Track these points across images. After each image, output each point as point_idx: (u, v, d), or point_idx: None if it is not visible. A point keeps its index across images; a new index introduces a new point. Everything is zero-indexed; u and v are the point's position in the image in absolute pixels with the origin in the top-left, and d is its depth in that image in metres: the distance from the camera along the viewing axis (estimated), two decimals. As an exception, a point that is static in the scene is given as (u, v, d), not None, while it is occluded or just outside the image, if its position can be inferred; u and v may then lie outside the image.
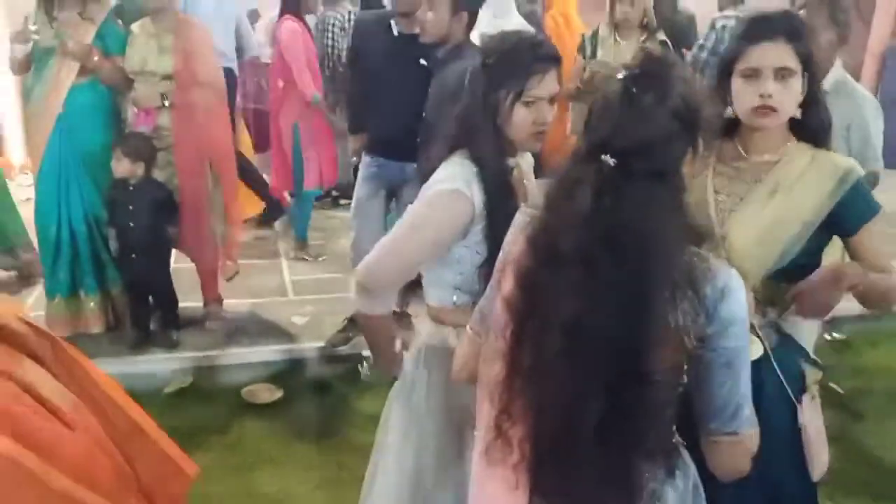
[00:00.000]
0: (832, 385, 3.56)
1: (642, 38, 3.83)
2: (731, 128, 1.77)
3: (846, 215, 1.68)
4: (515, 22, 4.13)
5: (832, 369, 3.66)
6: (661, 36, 3.89)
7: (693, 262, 1.22)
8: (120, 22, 3.65)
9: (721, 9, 5.21)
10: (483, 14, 3.06)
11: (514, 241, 1.37)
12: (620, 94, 1.22)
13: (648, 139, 1.18)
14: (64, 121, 3.51)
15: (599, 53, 3.91)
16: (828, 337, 3.90)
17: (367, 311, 1.81)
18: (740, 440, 1.31)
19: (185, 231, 3.71)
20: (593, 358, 1.19)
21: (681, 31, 5.16)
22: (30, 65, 3.55)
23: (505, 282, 1.33)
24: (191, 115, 3.60)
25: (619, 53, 3.82)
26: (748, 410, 1.31)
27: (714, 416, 1.29)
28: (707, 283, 1.22)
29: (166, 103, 3.59)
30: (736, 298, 1.24)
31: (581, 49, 4.00)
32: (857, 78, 7.27)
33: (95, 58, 3.49)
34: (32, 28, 3.46)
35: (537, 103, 1.73)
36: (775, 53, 1.66)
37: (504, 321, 1.30)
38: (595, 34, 3.98)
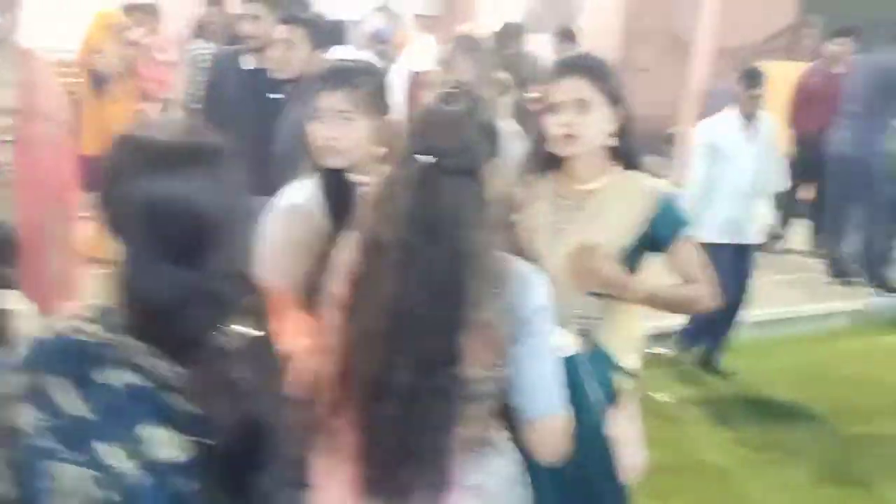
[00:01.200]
0: (656, 395, 3.91)
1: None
2: (563, 161, 1.93)
3: (657, 233, 1.88)
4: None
5: (657, 381, 4.04)
6: (501, 75, 4.18)
7: (500, 261, 1.39)
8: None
9: (558, 52, 5.65)
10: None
11: (344, 249, 1.49)
12: (437, 106, 1.44)
13: (461, 140, 1.38)
14: None
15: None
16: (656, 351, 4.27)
17: None
18: (553, 422, 1.43)
19: (24, 270, 3.55)
20: (410, 338, 1.32)
21: (526, 72, 5.56)
22: None
23: (336, 285, 1.44)
24: (33, 149, 3.48)
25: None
26: (558, 394, 1.44)
27: (529, 403, 1.41)
28: (511, 280, 1.38)
29: (7, 138, 3.45)
30: (537, 292, 1.41)
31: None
32: (675, 117, 8.01)
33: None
34: None
35: (323, 118, 1.82)
36: (571, 87, 1.86)
37: (336, 319, 1.41)
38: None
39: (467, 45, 2.98)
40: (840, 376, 4.26)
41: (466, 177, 1.36)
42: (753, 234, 3.92)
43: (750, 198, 3.84)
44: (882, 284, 5.31)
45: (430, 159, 1.34)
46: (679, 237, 1.91)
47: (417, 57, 5.76)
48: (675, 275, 1.94)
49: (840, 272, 5.49)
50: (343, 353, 1.38)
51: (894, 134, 5.36)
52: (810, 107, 5.65)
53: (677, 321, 4.37)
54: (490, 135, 1.44)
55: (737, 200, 3.80)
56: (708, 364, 4.20)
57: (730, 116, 3.92)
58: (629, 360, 1.95)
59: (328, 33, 3.39)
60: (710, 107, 7.44)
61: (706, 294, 1.94)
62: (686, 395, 3.95)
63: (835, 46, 5.77)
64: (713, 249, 3.72)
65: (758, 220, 3.95)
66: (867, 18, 6.22)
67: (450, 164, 1.35)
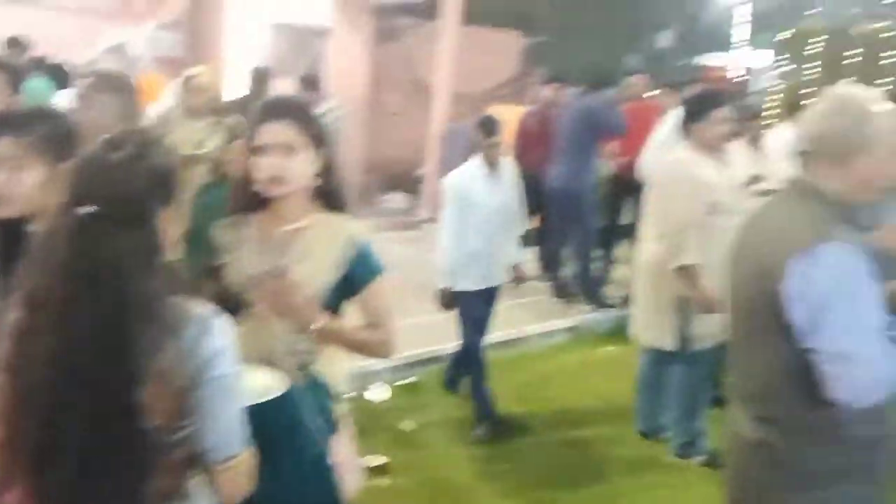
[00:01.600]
0: (400, 424, 4.08)
1: (211, 121, 4.10)
2: (267, 202, 1.96)
3: (353, 276, 1.95)
4: None
5: (402, 410, 4.22)
6: (234, 119, 4.20)
7: (174, 307, 1.36)
8: None
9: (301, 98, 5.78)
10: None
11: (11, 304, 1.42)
12: (98, 152, 1.39)
13: (124, 188, 1.35)
14: None
15: (173, 134, 4.09)
16: (399, 382, 4.47)
17: None
18: (237, 463, 1.44)
19: None
20: (77, 395, 1.29)
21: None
22: None
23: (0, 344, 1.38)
24: None
25: (192, 133, 4.04)
26: (241, 433, 1.46)
27: (215, 447, 1.41)
28: (188, 324, 1.36)
29: None
30: (216, 332, 1.39)
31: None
32: (421, 156, 8.46)
33: None
34: None
35: None
36: (278, 131, 1.90)
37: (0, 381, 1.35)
38: (165, 116, 4.16)
39: (105, 82, 2.79)
40: (560, 387, 4.73)
41: (130, 225, 1.34)
42: (500, 277, 4.13)
43: (498, 243, 4.02)
44: (595, 301, 5.98)
45: (90, 209, 1.32)
46: (371, 282, 1.99)
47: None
48: (364, 318, 2.02)
49: (561, 293, 6.12)
50: (8, 418, 1.32)
51: (598, 169, 6.08)
52: (530, 145, 6.27)
53: (417, 352, 4.61)
54: (163, 179, 1.41)
55: (486, 246, 3.94)
56: (452, 387, 4.44)
57: (473, 165, 4.01)
58: (347, 386, 2.02)
59: (55, 76, 3.20)
60: (447, 146, 8.03)
61: (386, 340, 2.04)
62: (427, 420, 4.16)
63: (549, 92, 6.47)
64: (466, 296, 3.94)
65: (505, 262, 4.14)
66: (579, 68, 7.04)
67: (111, 214, 1.32)
